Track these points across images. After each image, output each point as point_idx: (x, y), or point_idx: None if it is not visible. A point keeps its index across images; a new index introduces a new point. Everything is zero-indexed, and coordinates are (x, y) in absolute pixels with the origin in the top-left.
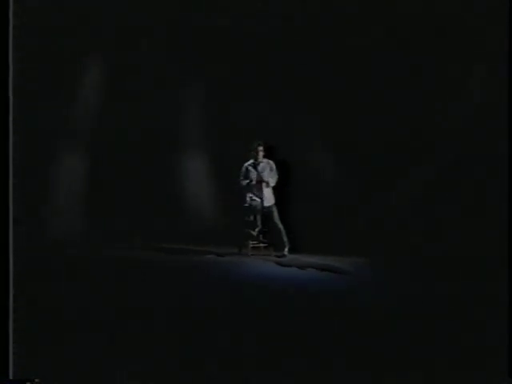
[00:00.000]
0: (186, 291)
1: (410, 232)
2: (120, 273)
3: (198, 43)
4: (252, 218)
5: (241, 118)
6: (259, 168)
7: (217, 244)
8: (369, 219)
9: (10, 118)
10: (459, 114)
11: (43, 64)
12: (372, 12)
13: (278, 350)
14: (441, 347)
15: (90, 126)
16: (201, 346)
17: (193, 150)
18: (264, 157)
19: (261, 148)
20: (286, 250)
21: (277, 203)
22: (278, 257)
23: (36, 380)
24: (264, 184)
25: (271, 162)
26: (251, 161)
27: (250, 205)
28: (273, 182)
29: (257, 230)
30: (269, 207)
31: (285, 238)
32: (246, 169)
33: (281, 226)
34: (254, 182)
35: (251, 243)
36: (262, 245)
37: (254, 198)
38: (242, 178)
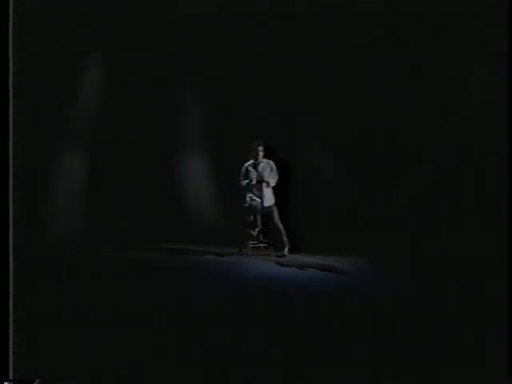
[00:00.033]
0: (186, 291)
1: (410, 232)
2: (120, 273)
3: (198, 43)
4: (252, 218)
5: (241, 118)
6: (259, 168)
7: (217, 244)
8: (369, 219)
9: (10, 118)
10: (459, 114)
11: (43, 64)
12: (372, 12)
13: (278, 349)
14: (441, 347)
15: (89, 125)
16: (201, 346)
17: (193, 150)
18: (264, 157)
19: (261, 148)
20: (286, 250)
21: (277, 203)
22: (278, 257)
23: (37, 380)
24: (264, 184)
25: (271, 162)
26: (251, 161)
27: (250, 205)
28: (273, 182)
29: (257, 229)
30: (269, 207)
31: (285, 238)
32: (246, 169)
33: (281, 226)
34: (254, 182)
35: (251, 243)
36: (261, 245)
37: (254, 198)
38: (241, 178)
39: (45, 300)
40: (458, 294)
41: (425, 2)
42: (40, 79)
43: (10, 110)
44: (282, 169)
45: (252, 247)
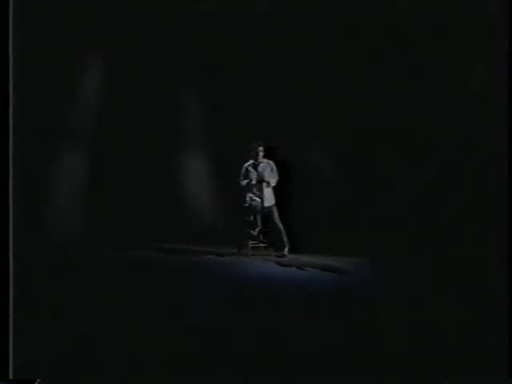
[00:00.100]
0: (186, 291)
1: (410, 232)
2: (120, 273)
3: (198, 43)
4: (252, 218)
5: (241, 118)
6: (259, 168)
7: (217, 244)
8: (369, 219)
9: (10, 118)
10: (459, 114)
11: (43, 64)
12: (372, 12)
13: (278, 349)
14: (441, 347)
15: (89, 125)
16: (201, 346)
17: (193, 150)
18: (264, 157)
19: (261, 148)
20: (286, 249)
21: (277, 203)
22: (278, 257)
23: (37, 380)
24: (264, 184)
25: (271, 162)
26: (251, 161)
27: (250, 205)
28: (273, 182)
29: (257, 229)
30: (269, 207)
31: (285, 238)
32: (246, 169)
33: (281, 226)
34: (253, 182)
35: (251, 243)
36: (262, 245)
37: (254, 198)
38: (241, 178)
39: (45, 300)
40: (458, 294)
41: (425, 2)
42: (40, 79)
43: (10, 109)
44: (282, 169)
45: (252, 247)
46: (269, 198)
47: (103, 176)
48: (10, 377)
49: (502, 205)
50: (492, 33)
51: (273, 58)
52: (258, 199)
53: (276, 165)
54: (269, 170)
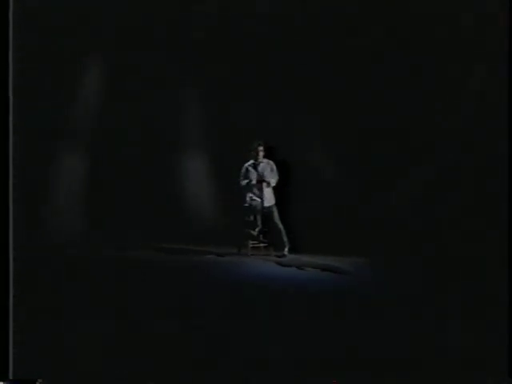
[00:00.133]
0: (186, 291)
1: (410, 232)
2: (120, 273)
3: (198, 43)
4: (252, 218)
5: (241, 118)
6: (259, 168)
7: (217, 244)
8: (369, 219)
9: (10, 118)
10: (459, 113)
11: (43, 64)
12: (372, 12)
13: (278, 349)
14: (441, 347)
15: (90, 125)
16: (201, 346)
17: (193, 150)
18: (264, 157)
19: (261, 148)
20: (286, 250)
21: (277, 203)
22: (278, 257)
23: (38, 380)
24: (264, 184)
25: (271, 162)
26: (251, 161)
27: (250, 205)
28: (273, 182)
29: (257, 229)
30: (269, 207)
31: (285, 238)
32: (246, 169)
33: (281, 226)
34: (253, 182)
35: (251, 243)
36: (262, 245)
37: (254, 198)
38: (242, 178)
39: (45, 300)
40: (458, 294)
41: (425, 2)
42: (40, 79)
43: (10, 110)
44: (282, 169)
45: (252, 247)
46: (269, 198)
47: (103, 176)
48: (10, 377)
49: (502, 205)
50: (492, 33)
51: (273, 58)
52: (258, 199)
53: (276, 165)
54: (269, 170)
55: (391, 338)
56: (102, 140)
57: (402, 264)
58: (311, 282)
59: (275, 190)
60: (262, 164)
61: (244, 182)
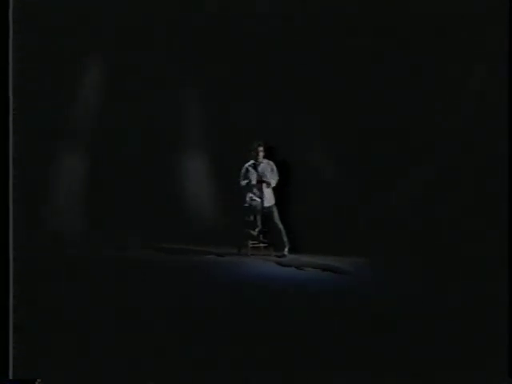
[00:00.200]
0: (186, 291)
1: (410, 232)
2: (120, 273)
3: (198, 43)
4: (252, 218)
5: (241, 118)
6: (259, 168)
7: (217, 244)
8: (369, 219)
9: (10, 118)
10: (459, 114)
11: (43, 64)
12: (372, 12)
13: (278, 349)
14: (441, 347)
15: (90, 125)
16: (201, 346)
17: (193, 150)
18: (264, 157)
19: (261, 148)
20: (286, 250)
21: (277, 203)
22: (278, 257)
23: (38, 380)
24: (264, 184)
25: (271, 162)
26: (251, 161)
27: (250, 205)
28: (273, 182)
29: (257, 230)
30: (269, 207)
31: (285, 238)
32: (247, 169)
33: (281, 226)
34: (253, 182)
35: (251, 243)
36: (262, 245)
37: (254, 198)
38: (242, 178)
39: (45, 300)
40: (458, 294)
41: (425, 2)
42: (40, 79)
43: (10, 110)
44: (282, 169)
45: (252, 247)
46: (269, 198)
47: (103, 176)
48: (10, 377)
49: (502, 205)
50: (492, 33)
51: (273, 58)
52: (258, 199)
53: (276, 165)
54: (269, 171)
55: (391, 337)
56: (102, 140)
57: (401, 264)
58: (311, 282)
59: (275, 190)
60: (262, 164)
61: (244, 183)
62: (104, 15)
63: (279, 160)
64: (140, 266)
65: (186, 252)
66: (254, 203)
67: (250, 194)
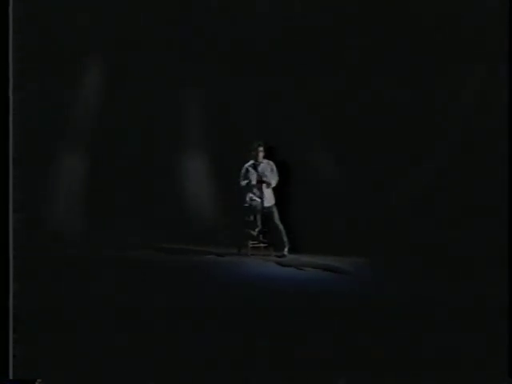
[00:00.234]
0: (186, 291)
1: (410, 232)
2: (120, 273)
3: (198, 43)
4: (252, 218)
5: (241, 118)
6: (259, 169)
7: (217, 244)
8: (369, 219)
9: (10, 118)
10: (459, 114)
11: (43, 64)
12: (372, 12)
13: (278, 349)
14: (440, 347)
15: (89, 126)
16: (201, 346)
17: (193, 150)
18: (264, 157)
19: (261, 148)
20: (286, 250)
21: (277, 203)
22: (278, 257)
23: (38, 380)
24: (264, 184)
25: (271, 162)
26: (251, 161)
27: (250, 205)
28: (274, 183)
29: (257, 230)
30: (269, 207)
31: (285, 238)
32: (247, 170)
33: (281, 226)
34: (253, 183)
35: (251, 243)
36: (262, 245)
37: (254, 198)
38: (242, 178)
39: (45, 300)
40: (458, 294)
41: (425, 2)
42: (40, 79)
43: (10, 109)
44: (282, 169)
45: (252, 247)
46: (269, 198)
47: (103, 176)
48: (10, 377)
49: (501, 205)
50: (492, 33)
51: (273, 58)
52: (258, 199)
53: (276, 165)
54: (269, 171)
55: (391, 337)
56: (102, 140)
57: (401, 264)
58: (311, 282)
59: (275, 190)
60: (262, 164)
61: (244, 183)
62: (104, 15)
63: (279, 160)
64: (140, 266)
65: (186, 252)
66: (254, 203)
67: (250, 194)
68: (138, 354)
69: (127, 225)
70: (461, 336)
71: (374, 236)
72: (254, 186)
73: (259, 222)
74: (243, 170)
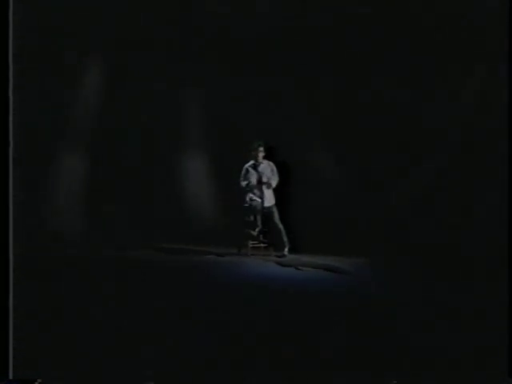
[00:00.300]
0: (186, 291)
1: (410, 232)
2: (120, 273)
3: (198, 43)
4: (252, 218)
5: (241, 118)
6: (260, 169)
7: (217, 244)
8: (369, 219)
9: (10, 118)
10: (459, 113)
11: (43, 64)
12: (372, 12)
13: (278, 349)
14: (441, 347)
15: (90, 125)
16: (201, 346)
17: (193, 150)
18: (264, 158)
19: (261, 149)
20: (286, 250)
21: (277, 203)
22: (278, 257)
23: (38, 380)
24: (265, 186)
25: (271, 163)
26: (251, 162)
27: (250, 205)
28: (274, 184)
29: (257, 230)
30: (269, 207)
31: (285, 238)
32: (247, 170)
33: (281, 226)
34: (254, 183)
35: (251, 243)
36: (262, 245)
37: (255, 198)
38: (242, 178)
39: (45, 300)
40: (458, 294)
41: (425, 1)
42: (40, 79)
43: (10, 109)
44: (283, 169)
45: (252, 247)
46: (269, 198)
47: (103, 176)
48: (10, 377)
49: (502, 205)
50: (492, 33)
51: (273, 58)
52: (258, 199)
53: (276, 165)
54: (269, 171)
55: (391, 337)
56: (102, 140)
57: (401, 264)
58: (311, 282)
59: (275, 190)
60: (262, 165)
61: (244, 183)
62: (104, 15)
63: (279, 161)
64: (140, 266)
65: (186, 252)
66: (254, 203)
67: (250, 194)
68: (137, 353)
69: (127, 225)
70: (461, 336)
71: (374, 236)
72: (254, 186)
73: (259, 222)
74: (243, 171)
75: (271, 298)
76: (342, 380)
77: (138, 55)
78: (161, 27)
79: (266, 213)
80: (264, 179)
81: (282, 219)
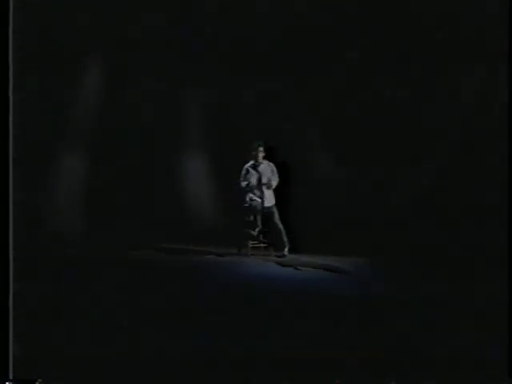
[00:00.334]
0: (186, 291)
1: (410, 232)
2: (120, 273)
3: (198, 43)
4: (252, 218)
5: (241, 118)
6: (260, 169)
7: (217, 244)
8: (369, 219)
9: (10, 118)
10: (459, 113)
11: (43, 64)
12: (372, 12)
13: (278, 350)
14: (441, 347)
15: (90, 125)
16: (201, 346)
17: (193, 150)
18: (264, 158)
19: (261, 149)
20: (286, 250)
21: (277, 203)
22: (278, 257)
23: (38, 380)
24: (265, 186)
25: (272, 164)
26: (251, 162)
27: (250, 205)
28: (274, 184)
29: (257, 230)
30: (269, 207)
31: (285, 238)
32: (247, 170)
33: (281, 226)
34: (254, 183)
35: (251, 243)
36: (262, 245)
37: (255, 198)
38: (242, 179)
39: (45, 300)
40: (458, 293)
41: (425, 1)
42: (40, 79)
43: (10, 109)
44: (283, 169)
45: (252, 247)
46: (269, 198)
47: (103, 176)
48: (10, 377)
49: (501, 205)
50: (492, 33)
51: (273, 58)
52: (259, 199)
53: (276, 166)
54: (269, 172)
55: (391, 337)
56: (102, 140)
57: (401, 264)
58: (311, 282)
59: (275, 190)
60: (262, 165)
61: (244, 184)
62: (104, 15)
63: (279, 161)
64: (140, 266)
65: (186, 252)
66: (254, 203)
67: (250, 194)
68: (137, 354)
69: (127, 225)
70: (461, 336)
71: (374, 236)
72: (254, 186)
73: (259, 222)
74: (243, 171)
75: (271, 298)
76: (342, 380)
77: (138, 55)
78: (161, 27)
79: (266, 213)
80: (264, 179)
81: (282, 219)
